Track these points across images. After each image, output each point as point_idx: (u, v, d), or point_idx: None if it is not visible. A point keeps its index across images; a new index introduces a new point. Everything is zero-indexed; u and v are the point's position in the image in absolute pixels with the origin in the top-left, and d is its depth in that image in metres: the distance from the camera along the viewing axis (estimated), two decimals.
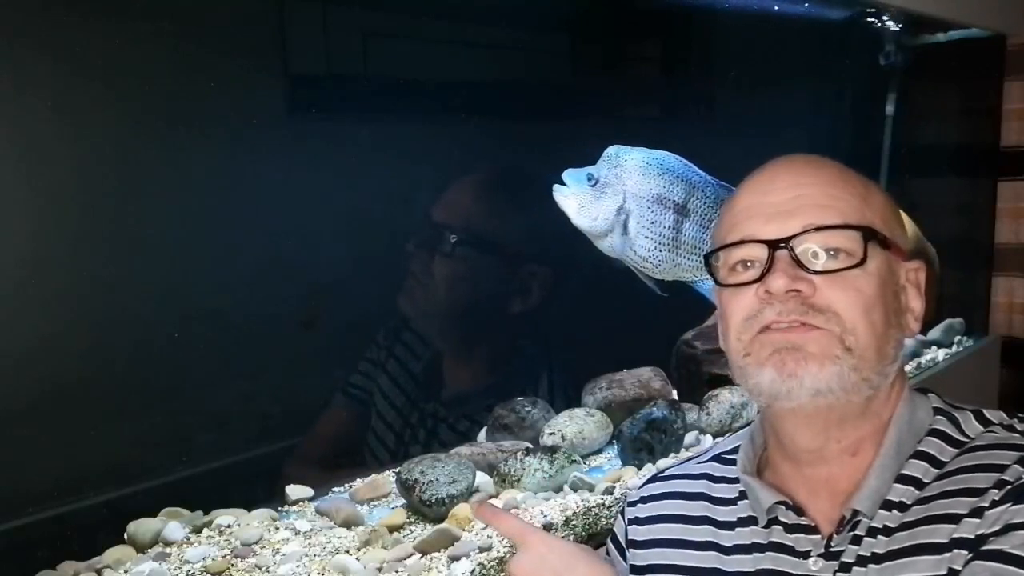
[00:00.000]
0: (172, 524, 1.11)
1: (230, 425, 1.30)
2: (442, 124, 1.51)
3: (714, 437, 1.46)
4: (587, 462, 1.37)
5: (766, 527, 0.98)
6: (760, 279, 0.93)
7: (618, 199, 1.34)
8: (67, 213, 1.14)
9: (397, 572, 1.04)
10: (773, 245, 0.92)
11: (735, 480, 1.04)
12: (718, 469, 1.07)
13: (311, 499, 1.24)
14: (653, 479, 1.12)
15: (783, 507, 0.97)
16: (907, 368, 1.81)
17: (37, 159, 1.10)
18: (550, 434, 1.37)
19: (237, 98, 1.26)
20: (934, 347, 1.96)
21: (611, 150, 1.37)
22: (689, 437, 1.43)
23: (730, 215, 0.99)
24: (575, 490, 1.25)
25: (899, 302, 0.95)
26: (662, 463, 1.35)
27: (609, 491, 1.24)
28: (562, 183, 1.37)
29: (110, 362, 1.18)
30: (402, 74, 1.47)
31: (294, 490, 1.25)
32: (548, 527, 1.13)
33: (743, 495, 1.02)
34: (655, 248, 1.37)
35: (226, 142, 1.25)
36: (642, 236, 1.36)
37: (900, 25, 2.25)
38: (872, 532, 0.91)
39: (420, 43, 1.51)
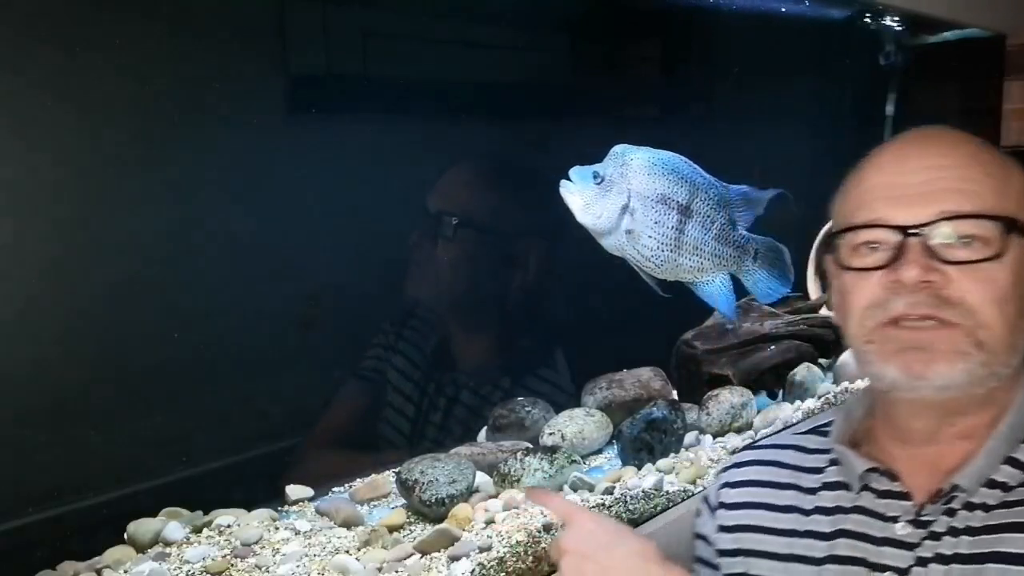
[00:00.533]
0: (172, 524, 1.11)
1: (230, 425, 1.30)
2: (444, 123, 1.52)
3: (714, 437, 1.46)
4: (587, 462, 1.37)
5: (857, 493, 0.97)
6: (888, 266, 0.89)
7: (622, 198, 1.34)
8: (67, 212, 1.14)
9: (397, 572, 1.04)
10: (905, 232, 0.88)
11: (827, 451, 1.04)
12: (812, 441, 1.07)
13: (311, 499, 1.24)
14: (749, 447, 1.17)
15: (876, 473, 0.96)
16: None
17: (37, 159, 1.10)
18: (550, 434, 1.37)
19: (238, 96, 1.26)
20: None
21: (617, 149, 1.37)
22: (689, 437, 1.43)
23: (856, 192, 0.96)
24: (575, 490, 1.25)
25: None
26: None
27: (609, 491, 1.24)
28: (568, 180, 1.36)
29: (110, 362, 1.18)
30: (402, 73, 1.47)
31: (294, 490, 1.25)
32: (548, 527, 1.13)
33: (833, 462, 1.02)
34: (658, 248, 1.37)
35: (226, 141, 1.25)
36: (645, 235, 1.36)
37: (900, 25, 2.25)
38: (970, 507, 0.90)
39: (420, 43, 1.51)
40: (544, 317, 1.72)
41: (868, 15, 2.21)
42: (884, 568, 0.93)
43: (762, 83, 2.10)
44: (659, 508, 1.28)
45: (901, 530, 0.93)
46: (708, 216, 1.39)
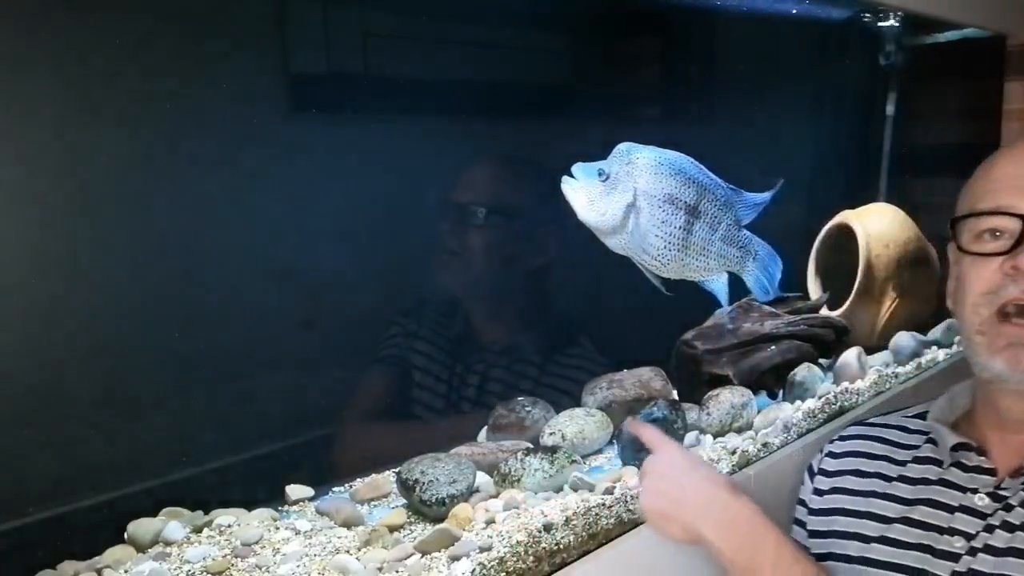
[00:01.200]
0: (172, 524, 1.11)
1: (230, 425, 1.30)
2: (446, 122, 1.52)
3: (714, 437, 1.46)
4: (587, 462, 1.37)
5: (947, 468, 1.04)
6: (1008, 252, 0.92)
7: (628, 196, 1.33)
8: (66, 212, 1.14)
9: (397, 572, 1.04)
10: None
11: (927, 432, 1.12)
12: (914, 423, 1.17)
13: (311, 499, 1.24)
14: (856, 423, 1.28)
15: (966, 450, 1.03)
16: (907, 368, 1.81)
17: (36, 159, 1.10)
18: (550, 434, 1.37)
19: (240, 95, 1.26)
20: (934, 347, 1.96)
21: (622, 147, 1.36)
22: (689, 437, 1.43)
23: (985, 180, 1.00)
24: (575, 490, 1.25)
25: None
26: None
27: (609, 491, 1.24)
28: (571, 176, 1.36)
29: (110, 361, 1.18)
30: (405, 73, 1.47)
31: (294, 490, 1.25)
32: (548, 527, 1.13)
33: (930, 441, 1.10)
34: (665, 247, 1.37)
35: (226, 140, 1.25)
36: (652, 235, 1.35)
37: (900, 25, 2.25)
38: None
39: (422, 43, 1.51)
40: (567, 299, 1.84)
41: (868, 15, 2.21)
42: (953, 532, 0.97)
43: (762, 83, 2.10)
44: None
45: (979, 501, 0.99)
46: (716, 217, 1.39)
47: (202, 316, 1.26)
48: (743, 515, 1.04)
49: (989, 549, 0.96)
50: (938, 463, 1.07)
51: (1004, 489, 0.98)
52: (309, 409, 1.42)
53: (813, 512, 1.22)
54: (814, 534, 1.21)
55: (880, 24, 2.24)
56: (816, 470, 1.26)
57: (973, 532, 0.97)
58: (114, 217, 1.17)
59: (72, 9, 1.12)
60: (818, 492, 1.22)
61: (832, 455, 1.24)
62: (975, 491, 1.01)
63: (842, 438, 1.26)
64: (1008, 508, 0.97)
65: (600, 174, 1.33)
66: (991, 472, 1.01)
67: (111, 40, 1.12)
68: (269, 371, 1.33)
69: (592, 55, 1.90)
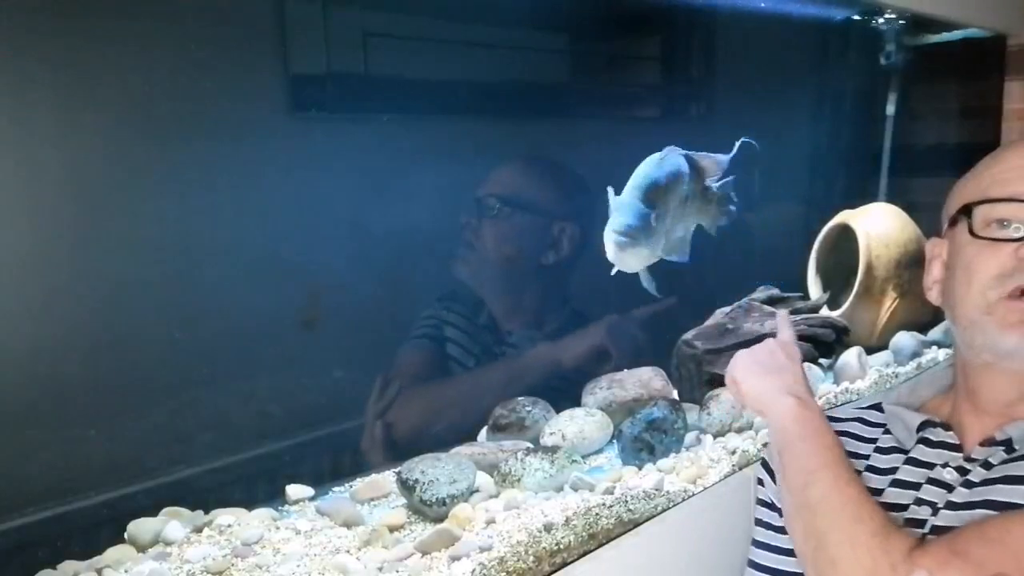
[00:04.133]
0: (172, 524, 1.11)
1: (230, 425, 1.30)
2: (448, 123, 1.53)
3: (715, 437, 1.46)
4: (587, 462, 1.37)
5: (912, 447, 1.03)
6: (1020, 239, 0.93)
7: (666, 224, 1.34)
8: (67, 212, 1.14)
9: (397, 572, 1.04)
10: None
11: (884, 424, 1.11)
12: (872, 415, 1.15)
13: (311, 499, 1.24)
14: None
15: (931, 426, 1.02)
16: (906, 368, 1.81)
17: (36, 159, 1.10)
18: (551, 434, 1.37)
19: (241, 95, 1.26)
20: (934, 347, 1.95)
21: (656, 175, 1.32)
22: (690, 437, 1.43)
23: (997, 169, 1.00)
24: (575, 490, 1.25)
25: None
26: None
27: (610, 491, 1.24)
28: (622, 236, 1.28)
29: (111, 361, 1.18)
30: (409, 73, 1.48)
31: (294, 490, 1.25)
32: (549, 527, 1.13)
33: (886, 431, 1.09)
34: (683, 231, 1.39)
35: (227, 140, 1.25)
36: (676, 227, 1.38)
37: (900, 25, 2.25)
38: (1016, 455, 0.95)
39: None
40: (582, 299, 1.89)
41: (868, 15, 2.21)
42: (920, 502, 0.99)
43: (762, 83, 2.10)
44: (660, 508, 1.28)
45: (948, 475, 0.98)
46: (687, 191, 1.41)
47: (203, 314, 1.26)
48: (816, 412, 1.04)
49: (950, 505, 0.96)
50: (902, 451, 1.06)
51: (972, 462, 0.98)
52: (328, 404, 1.44)
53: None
54: (783, 529, 1.15)
55: (880, 24, 2.24)
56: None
57: (940, 503, 0.97)
58: (114, 217, 1.17)
59: (72, 9, 1.12)
60: None
61: None
62: (944, 465, 1.00)
63: None
64: (970, 483, 0.97)
65: (653, 221, 1.28)
66: (957, 448, 1.01)
67: (111, 40, 1.12)
68: (267, 371, 1.33)
69: (591, 55, 1.90)
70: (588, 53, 1.88)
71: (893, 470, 1.04)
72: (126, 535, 1.09)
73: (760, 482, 1.23)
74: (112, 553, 1.06)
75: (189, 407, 1.25)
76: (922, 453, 1.02)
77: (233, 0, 1.28)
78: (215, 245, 1.26)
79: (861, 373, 1.70)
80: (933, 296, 1.09)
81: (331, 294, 1.40)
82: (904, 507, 1.00)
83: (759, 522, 1.21)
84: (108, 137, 1.15)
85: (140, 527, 1.09)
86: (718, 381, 1.55)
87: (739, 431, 1.48)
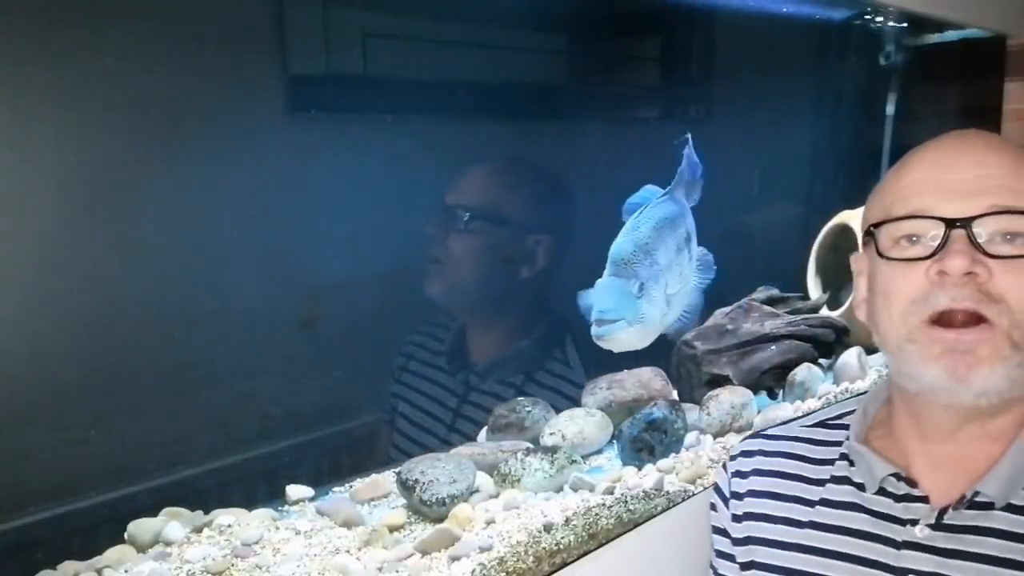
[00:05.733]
0: (172, 524, 1.11)
1: (230, 425, 1.30)
2: (449, 123, 1.52)
3: (714, 437, 1.46)
4: (587, 462, 1.37)
5: (873, 494, 0.98)
6: (932, 256, 0.89)
7: (662, 283, 1.22)
8: (67, 212, 1.14)
9: (397, 572, 1.04)
10: (951, 223, 0.88)
11: (837, 443, 1.04)
12: (819, 433, 1.09)
13: (311, 499, 1.24)
14: (755, 435, 1.17)
15: (894, 478, 0.96)
16: None
17: (36, 158, 1.10)
18: (551, 434, 1.37)
19: (240, 96, 1.26)
20: None
21: (625, 243, 1.21)
22: (690, 437, 1.43)
23: (898, 187, 0.95)
24: (575, 490, 1.25)
25: None
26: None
27: (610, 491, 1.24)
28: (604, 316, 1.20)
29: (111, 361, 1.18)
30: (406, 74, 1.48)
31: (294, 490, 1.25)
32: (548, 527, 1.13)
33: (844, 457, 1.02)
34: (683, 294, 1.29)
35: (227, 141, 1.25)
36: (674, 292, 1.26)
37: (900, 25, 2.25)
38: (998, 509, 0.90)
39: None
40: (552, 311, 1.75)
41: (868, 15, 2.21)
42: (905, 572, 0.93)
43: (762, 83, 2.10)
44: (659, 508, 1.28)
45: (920, 532, 0.93)
46: (689, 227, 1.35)
47: (202, 314, 1.26)
48: None
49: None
50: (858, 486, 1.00)
51: (947, 519, 0.92)
52: (300, 411, 1.42)
53: (737, 542, 1.11)
54: (747, 566, 1.10)
55: (880, 24, 2.24)
56: (728, 493, 1.14)
57: (928, 571, 0.92)
58: (113, 217, 1.17)
59: (70, 8, 1.12)
60: (736, 518, 1.12)
61: (739, 475, 1.13)
62: (914, 523, 0.94)
63: (745, 454, 1.14)
64: (958, 530, 0.91)
65: (640, 290, 1.19)
66: (923, 500, 0.94)
67: (109, 40, 1.12)
68: (267, 371, 1.33)
69: (591, 55, 1.90)
70: (588, 54, 1.88)
71: (854, 512, 0.98)
72: (126, 535, 1.09)
73: (713, 507, 1.18)
74: (112, 553, 1.06)
75: (189, 407, 1.25)
76: (887, 506, 0.97)
77: (232, 0, 1.28)
78: (215, 245, 1.26)
79: (861, 373, 1.70)
80: (861, 315, 1.04)
81: (331, 294, 1.40)
82: (877, 564, 0.95)
83: (718, 553, 1.15)
84: (107, 137, 1.15)
85: (140, 527, 1.09)
86: (718, 381, 1.55)
87: (739, 431, 1.48)
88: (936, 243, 0.89)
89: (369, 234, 1.43)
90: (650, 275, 1.22)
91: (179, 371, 1.24)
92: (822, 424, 1.11)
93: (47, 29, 1.08)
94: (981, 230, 0.89)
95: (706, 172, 1.45)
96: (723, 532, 1.14)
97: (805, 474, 1.06)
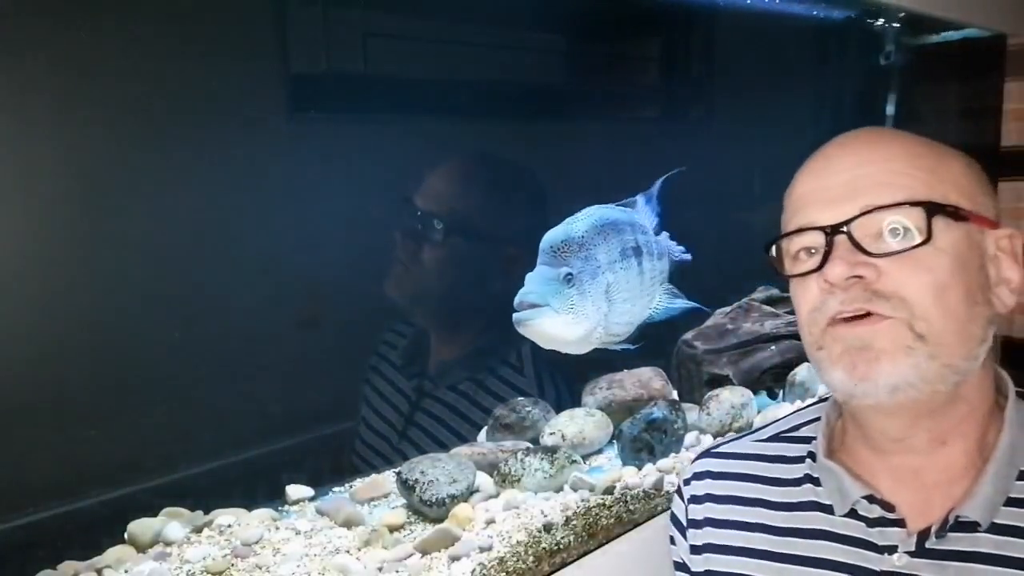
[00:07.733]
0: (172, 524, 1.11)
1: (230, 425, 1.30)
2: (449, 123, 1.52)
3: (714, 437, 1.46)
4: (587, 462, 1.37)
5: (843, 517, 0.94)
6: (820, 267, 0.88)
7: (602, 278, 1.17)
8: (67, 212, 1.14)
9: (397, 572, 1.04)
10: (829, 231, 0.88)
11: (795, 460, 1.00)
12: (777, 448, 1.03)
13: (311, 499, 1.24)
14: (706, 454, 1.09)
15: (866, 501, 0.92)
16: None
17: (33, 159, 1.10)
18: (550, 434, 1.37)
19: (240, 95, 1.26)
20: None
21: (559, 231, 1.16)
22: (690, 437, 1.43)
23: (790, 203, 0.95)
24: (575, 490, 1.25)
25: (986, 276, 0.89)
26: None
27: (609, 491, 1.24)
28: (530, 304, 1.13)
29: (111, 361, 1.18)
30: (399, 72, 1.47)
31: (294, 490, 1.25)
32: (548, 527, 1.13)
33: (808, 478, 0.98)
34: (630, 304, 1.22)
35: (227, 141, 1.25)
36: (619, 300, 1.20)
37: (900, 25, 2.25)
38: (984, 530, 0.87)
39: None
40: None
41: (868, 15, 2.21)
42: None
43: (762, 84, 2.10)
44: (659, 508, 1.28)
45: (898, 561, 0.90)
46: (648, 240, 1.30)
47: (202, 314, 1.26)
48: None
49: None
50: (826, 508, 0.95)
51: (929, 545, 0.88)
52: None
53: None
54: None
55: (880, 24, 2.24)
56: (685, 522, 1.06)
57: None
58: (113, 217, 1.17)
59: (70, 6, 1.11)
60: (695, 549, 1.04)
61: (695, 500, 1.05)
62: (892, 550, 0.90)
63: (697, 476, 1.07)
64: (944, 556, 0.87)
65: (568, 280, 1.14)
66: (900, 524, 0.90)
67: (109, 39, 1.12)
68: (267, 371, 1.33)
69: (591, 55, 1.90)
70: (588, 54, 1.88)
71: (826, 541, 0.94)
72: (126, 535, 1.09)
73: (672, 540, 1.10)
74: (112, 553, 1.06)
75: (189, 407, 1.24)
76: (859, 531, 0.93)
77: (232, 0, 1.28)
78: (214, 245, 1.26)
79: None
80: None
81: (331, 294, 1.40)
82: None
83: None
84: (107, 137, 1.15)
85: (140, 527, 1.09)
86: (718, 381, 1.55)
87: (738, 431, 1.48)
88: (821, 254, 0.89)
89: (369, 234, 1.43)
90: (584, 268, 1.17)
91: (180, 370, 1.24)
92: (778, 438, 1.05)
93: (47, 29, 1.08)
94: (861, 232, 0.87)
95: (662, 223, 1.40)
96: (683, 567, 1.07)
97: (767, 497, 1.00)
